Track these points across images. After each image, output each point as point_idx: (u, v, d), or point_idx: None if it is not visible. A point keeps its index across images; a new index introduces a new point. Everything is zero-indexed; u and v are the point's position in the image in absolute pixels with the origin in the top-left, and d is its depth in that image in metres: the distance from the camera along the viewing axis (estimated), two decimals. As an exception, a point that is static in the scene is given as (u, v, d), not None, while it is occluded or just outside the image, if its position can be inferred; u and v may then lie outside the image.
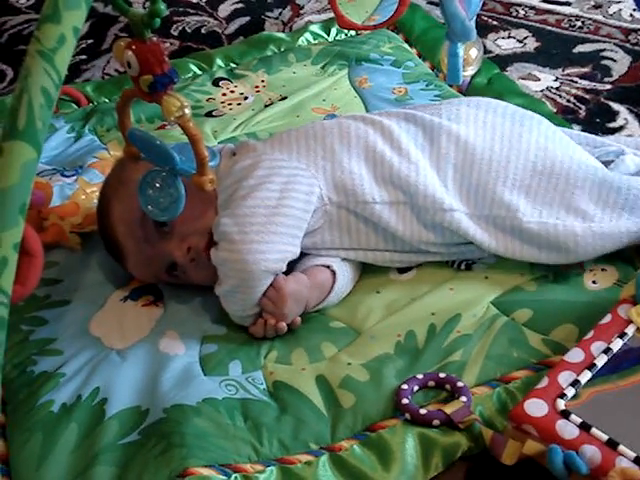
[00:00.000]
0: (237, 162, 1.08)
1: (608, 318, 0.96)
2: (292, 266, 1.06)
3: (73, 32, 0.74)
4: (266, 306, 1.02)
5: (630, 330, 0.94)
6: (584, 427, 0.85)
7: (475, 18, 1.22)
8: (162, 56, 0.87)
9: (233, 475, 0.88)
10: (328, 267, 1.07)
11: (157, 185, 0.97)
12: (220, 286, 1.03)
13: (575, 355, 0.92)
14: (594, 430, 0.84)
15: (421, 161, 1.07)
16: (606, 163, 1.14)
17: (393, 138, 1.09)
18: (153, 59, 0.86)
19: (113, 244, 1.09)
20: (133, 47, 0.87)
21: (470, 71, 1.32)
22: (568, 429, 0.85)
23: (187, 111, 0.88)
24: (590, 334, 0.94)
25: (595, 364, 0.91)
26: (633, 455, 0.82)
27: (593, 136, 1.21)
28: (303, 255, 1.07)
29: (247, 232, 1.00)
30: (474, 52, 1.29)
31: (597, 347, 0.93)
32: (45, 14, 0.74)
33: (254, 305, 1.03)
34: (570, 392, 0.88)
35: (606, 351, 0.92)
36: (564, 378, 0.89)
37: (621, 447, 0.83)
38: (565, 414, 0.86)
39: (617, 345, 0.93)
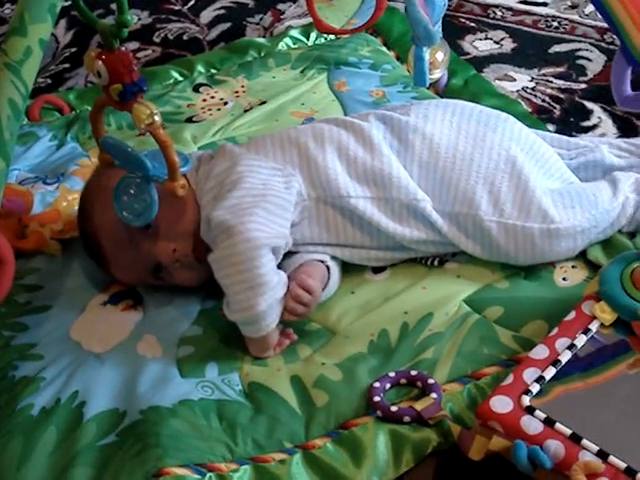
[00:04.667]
0: (215, 166, 1.10)
1: (572, 315, 0.97)
2: (281, 264, 1.06)
3: (39, 44, 0.76)
4: (295, 308, 1.02)
5: (594, 326, 0.96)
6: (548, 422, 0.86)
7: (442, 21, 1.24)
8: (131, 65, 0.89)
9: (208, 474, 0.89)
10: (322, 262, 1.09)
11: (131, 191, 0.99)
12: (228, 299, 1.01)
13: (540, 352, 0.93)
14: (558, 425, 0.86)
15: (392, 156, 1.10)
16: (582, 159, 1.17)
17: (365, 136, 1.11)
18: (122, 68, 0.89)
19: (96, 248, 1.11)
20: (103, 57, 0.89)
21: (437, 74, 1.34)
22: (532, 424, 0.86)
23: (157, 118, 0.90)
24: (555, 331, 0.96)
25: (559, 360, 0.92)
26: (596, 448, 0.84)
27: (567, 138, 1.23)
28: (290, 255, 1.09)
29: (241, 215, 1.01)
30: (440, 55, 1.31)
31: (561, 343, 0.94)
32: (12, 27, 0.76)
33: (262, 297, 0.99)
34: (535, 388, 0.90)
35: (570, 347, 0.93)
36: (529, 375, 0.91)
37: (584, 441, 0.84)
38: (530, 410, 0.87)
39: (581, 341, 0.94)
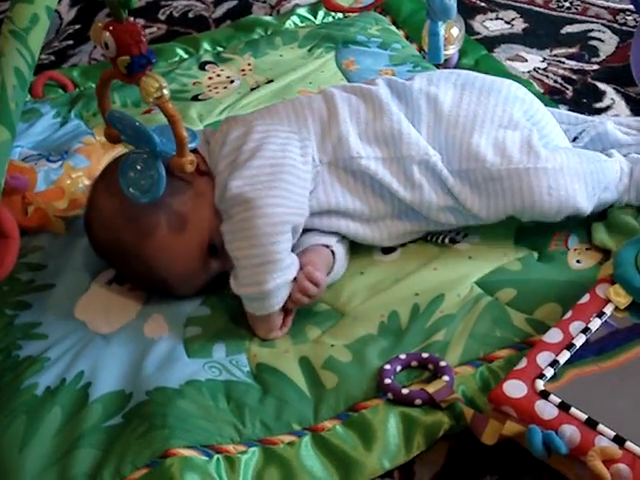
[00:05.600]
0: (229, 133, 1.07)
1: (586, 298, 0.96)
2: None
3: (46, 12, 0.74)
4: (301, 300, 1.01)
5: (608, 309, 0.94)
6: (563, 407, 0.85)
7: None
8: (139, 36, 0.87)
9: (215, 456, 0.88)
10: (327, 247, 1.07)
11: (138, 167, 0.97)
12: (236, 272, 0.99)
13: (554, 335, 0.92)
14: (573, 410, 0.84)
15: (401, 115, 1.09)
16: (586, 137, 1.17)
17: (374, 98, 1.10)
18: (130, 40, 0.87)
19: (151, 281, 1.06)
20: (110, 28, 0.87)
21: (452, 50, 1.32)
22: (547, 409, 0.85)
23: (166, 92, 0.88)
24: (569, 314, 0.94)
25: (574, 344, 0.91)
26: (612, 434, 0.82)
27: (575, 114, 1.23)
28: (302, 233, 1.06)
29: (260, 189, 0.99)
30: (455, 31, 1.29)
31: (576, 327, 0.92)
32: (18, -6, 0.73)
33: (272, 275, 0.98)
34: (549, 372, 0.88)
35: (584, 331, 0.92)
36: (543, 359, 0.89)
37: (600, 426, 0.83)
38: (544, 394, 0.86)
39: (595, 324, 0.93)
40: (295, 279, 1.00)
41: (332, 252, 1.08)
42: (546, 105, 1.23)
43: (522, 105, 1.11)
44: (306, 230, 1.06)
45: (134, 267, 1.05)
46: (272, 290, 0.98)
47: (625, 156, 1.13)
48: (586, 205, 1.07)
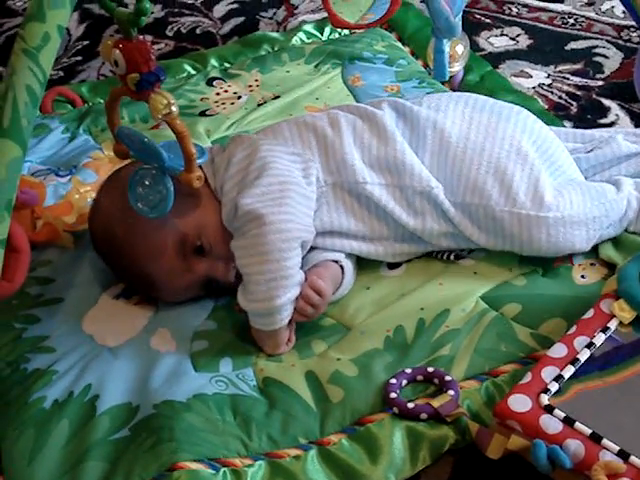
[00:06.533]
0: (234, 154, 1.08)
1: (591, 313, 0.96)
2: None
3: (57, 30, 0.75)
4: (304, 309, 1.01)
5: (612, 324, 0.95)
6: (568, 422, 0.85)
7: (461, 15, 1.23)
8: (149, 54, 0.88)
9: (222, 469, 0.88)
10: (336, 262, 1.08)
11: (146, 183, 0.98)
12: (247, 288, 1.00)
13: (558, 350, 0.92)
14: (578, 424, 0.84)
15: (405, 144, 1.09)
16: (599, 152, 1.16)
17: (379, 124, 1.10)
18: (140, 57, 0.88)
19: (139, 279, 1.07)
20: (120, 46, 0.88)
21: (457, 67, 1.32)
22: (552, 424, 0.85)
23: (174, 108, 0.89)
24: (573, 329, 0.94)
25: (578, 359, 0.91)
26: (617, 448, 0.82)
27: (582, 131, 1.23)
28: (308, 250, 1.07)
29: (271, 205, 1.00)
30: (460, 48, 1.30)
31: (580, 342, 0.93)
32: (30, 13, 0.75)
33: (283, 290, 0.98)
34: (554, 387, 0.88)
35: (589, 346, 0.92)
36: (547, 373, 0.90)
37: (605, 441, 0.83)
38: (549, 409, 0.86)
39: (600, 339, 0.93)
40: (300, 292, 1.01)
41: (341, 267, 1.08)
42: (551, 123, 1.24)
43: (531, 135, 1.10)
44: (311, 248, 1.07)
45: (124, 261, 1.06)
46: (283, 304, 0.99)
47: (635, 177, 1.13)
48: (585, 247, 1.08)
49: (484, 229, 1.08)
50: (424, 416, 0.92)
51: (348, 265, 1.09)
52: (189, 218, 1.04)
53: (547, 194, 1.06)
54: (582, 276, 1.08)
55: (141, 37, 0.87)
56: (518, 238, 1.06)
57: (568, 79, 1.51)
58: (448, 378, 0.95)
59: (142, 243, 1.03)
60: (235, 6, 1.85)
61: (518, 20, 1.69)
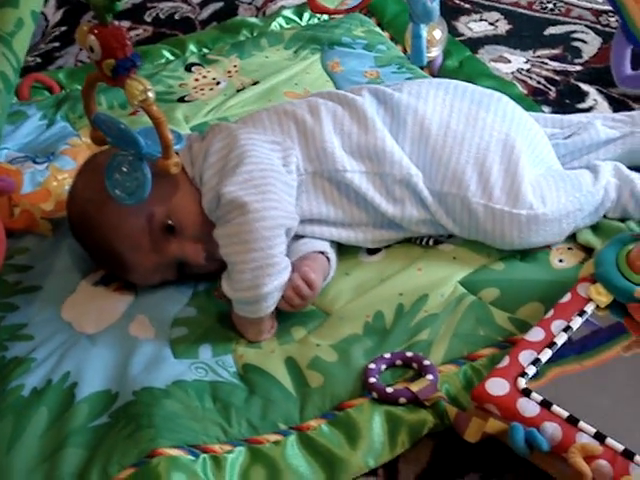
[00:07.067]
0: (212, 143, 1.07)
1: (568, 297, 0.97)
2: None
3: (32, 16, 0.75)
4: (292, 299, 1.02)
5: (589, 308, 0.95)
6: (545, 404, 0.86)
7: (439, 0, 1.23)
8: (124, 40, 0.87)
9: (202, 455, 0.88)
10: (322, 253, 1.08)
11: (124, 169, 0.97)
12: (232, 276, 0.99)
13: (536, 334, 0.93)
14: (555, 407, 0.85)
15: (385, 132, 1.09)
16: (577, 138, 1.17)
17: (359, 111, 1.10)
18: (115, 43, 0.87)
19: (111, 259, 1.06)
20: (95, 31, 0.87)
21: (434, 52, 1.33)
22: (529, 407, 0.86)
23: (150, 95, 0.89)
24: (550, 313, 0.95)
25: (555, 342, 0.91)
26: (593, 431, 0.83)
27: (561, 116, 1.23)
28: (292, 240, 1.07)
29: (254, 193, 1.00)
30: (438, 33, 1.30)
31: (557, 326, 0.93)
32: (3, -1, 0.74)
33: (269, 278, 0.98)
34: (531, 370, 0.89)
35: (566, 329, 0.93)
36: (525, 357, 0.90)
37: (581, 423, 0.84)
38: (526, 392, 0.87)
39: (577, 323, 0.94)
40: (289, 279, 1.01)
41: (327, 259, 1.08)
42: (530, 108, 1.24)
43: (511, 124, 1.10)
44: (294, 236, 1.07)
45: (98, 242, 1.05)
46: (269, 292, 0.99)
47: (613, 161, 1.14)
48: (558, 240, 1.09)
49: (458, 222, 1.08)
50: (403, 400, 0.92)
51: (333, 256, 1.09)
52: (161, 199, 1.03)
53: (523, 188, 1.06)
54: (560, 260, 1.09)
55: (116, 23, 0.87)
56: (491, 233, 1.07)
57: (547, 64, 1.52)
58: (427, 362, 0.96)
59: (115, 223, 1.03)
60: (214, -9, 1.84)
61: (497, 5, 1.70)
